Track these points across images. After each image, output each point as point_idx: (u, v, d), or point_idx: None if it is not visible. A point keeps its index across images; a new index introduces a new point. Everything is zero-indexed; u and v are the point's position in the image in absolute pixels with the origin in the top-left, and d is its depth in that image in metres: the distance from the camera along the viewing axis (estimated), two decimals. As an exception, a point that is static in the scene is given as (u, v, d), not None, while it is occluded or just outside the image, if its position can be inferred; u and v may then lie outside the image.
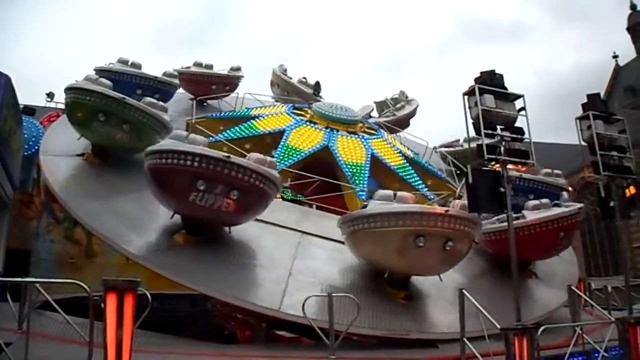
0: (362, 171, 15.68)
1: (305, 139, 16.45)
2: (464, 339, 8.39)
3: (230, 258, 10.76)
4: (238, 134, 16.54)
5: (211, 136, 15.22)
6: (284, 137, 16.29)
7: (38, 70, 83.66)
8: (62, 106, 19.30)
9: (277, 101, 21.26)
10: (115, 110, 12.18)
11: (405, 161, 17.17)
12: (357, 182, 15.24)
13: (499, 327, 8.16)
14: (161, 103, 13.48)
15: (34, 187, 16.69)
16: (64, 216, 15.42)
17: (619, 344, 9.44)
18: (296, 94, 22.31)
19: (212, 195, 9.69)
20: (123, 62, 16.88)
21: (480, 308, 8.57)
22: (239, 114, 18.47)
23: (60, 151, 13.29)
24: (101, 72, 15.11)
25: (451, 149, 21.90)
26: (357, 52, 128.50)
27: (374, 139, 17.71)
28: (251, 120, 17.40)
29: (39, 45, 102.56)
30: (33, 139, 15.86)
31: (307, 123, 17.31)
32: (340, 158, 15.92)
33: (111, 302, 5.77)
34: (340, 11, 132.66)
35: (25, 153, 14.83)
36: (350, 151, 16.33)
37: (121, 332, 5.72)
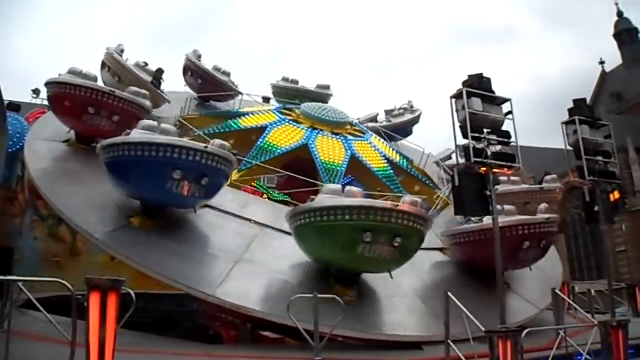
0: (339, 170, 15.67)
1: (285, 137, 16.57)
2: (449, 341, 8.42)
3: (181, 243, 11.02)
4: (222, 130, 16.85)
5: (195, 130, 15.58)
6: (264, 134, 16.51)
7: (24, 67, 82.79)
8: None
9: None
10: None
11: (387, 164, 17.17)
12: (332, 181, 15.18)
13: (483, 329, 8.20)
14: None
15: (18, 184, 16.49)
16: (48, 213, 15.24)
17: (601, 346, 9.50)
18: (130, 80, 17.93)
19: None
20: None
21: (466, 311, 8.62)
22: (229, 112, 18.82)
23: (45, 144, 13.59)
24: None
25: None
26: (348, 55, 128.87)
27: (358, 140, 17.72)
28: (237, 118, 17.66)
29: (25, 41, 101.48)
30: (18, 135, 15.67)
31: (291, 122, 17.43)
32: (317, 156, 15.95)
33: (94, 301, 5.74)
34: (332, 15, 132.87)
35: (10, 149, 14.64)
36: (328, 150, 16.34)
37: (104, 331, 5.68)
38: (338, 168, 15.75)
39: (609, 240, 33.57)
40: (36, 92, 21.77)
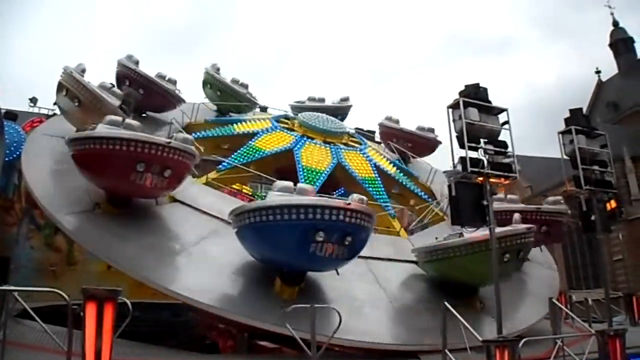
0: (319, 176, 15.60)
1: (272, 142, 16.73)
2: (446, 351, 8.42)
3: (140, 232, 11.25)
4: (216, 134, 17.40)
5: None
6: (253, 139, 16.69)
7: (21, 76, 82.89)
8: (45, 111, 19.10)
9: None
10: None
11: (376, 175, 17.08)
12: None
13: (480, 339, 8.20)
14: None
15: (15, 193, 16.47)
16: (45, 223, 15.23)
17: (599, 356, 9.50)
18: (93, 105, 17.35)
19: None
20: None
21: (463, 321, 8.62)
22: (231, 119, 19.19)
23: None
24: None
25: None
26: (347, 64, 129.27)
27: (350, 150, 17.74)
28: (234, 124, 18.04)
29: (23, 50, 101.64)
30: (15, 144, 15.65)
31: (283, 129, 17.63)
32: (299, 161, 15.96)
33: (90, 311, 5.72)
34: (331, 24, 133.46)
35: (7, 158, 14.63)
36: (313, 156, 16.35)
37: (100, 341, 5.66)
38: (319, 174, 15.67)
39: (606, 249, 33.60)
40: (33, 100, 21.82)
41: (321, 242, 9.37)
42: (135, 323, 7.78)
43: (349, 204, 9.61)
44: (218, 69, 20.64)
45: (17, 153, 14.60)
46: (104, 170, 10.91)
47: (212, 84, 20.33)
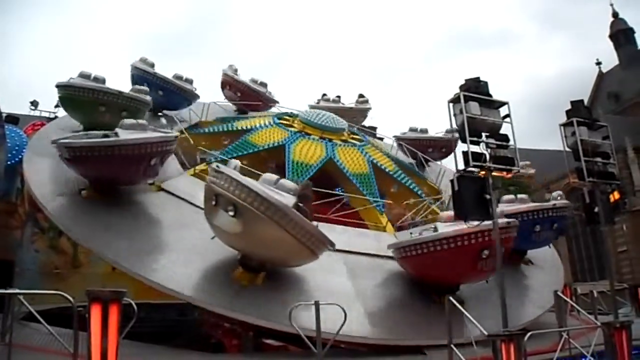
0: (308, 170, 15.57)
1: (266, 137, 16.84)
2: (452, 346, 8.41)
3: (123, 219, 11.71)
4: (216, 130, 17.96)
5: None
6: (248, 134, 16.96)
7: (22, 79, 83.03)
8: (46, 114, 19.19)
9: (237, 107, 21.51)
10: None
11: (369, 171, 17.08)
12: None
13: (486, 333, 8.19)
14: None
15: (18, 197, 16.50)
16: (49, 226, 15.26)
17: (605, 348, 9.48)
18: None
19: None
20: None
21: (469, 315, 8.61)
22: (237, 117, 19.79)
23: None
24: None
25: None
26: (346, 62, 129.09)
27: (346, 146, 17.61)
28: (234, 121, 18.56)
29: (23, 54, 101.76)
30: (17, 147, 15.68)
31: (281, 126, 17.56)
32: (289, 156, 15.90)
33: (96, 312, 5.72)
34: (330, 22, 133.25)
35: (9, 162, 14.66)
36: (304, 151, 16.32)
37: (106, 343, 5.67)
38: (308, 167, 15.61)
39: (610, 240, 33.54)
40: (34, 104, 21.79)
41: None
42: (140, 324, 7.82)
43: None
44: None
45: (20, 157, 14.64)
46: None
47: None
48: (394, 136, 22.07)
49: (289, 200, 9.76)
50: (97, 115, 14.39)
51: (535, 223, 13.57)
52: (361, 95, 23.93)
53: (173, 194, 13.13)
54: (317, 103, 23.05)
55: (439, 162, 21.79)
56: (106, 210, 11.74)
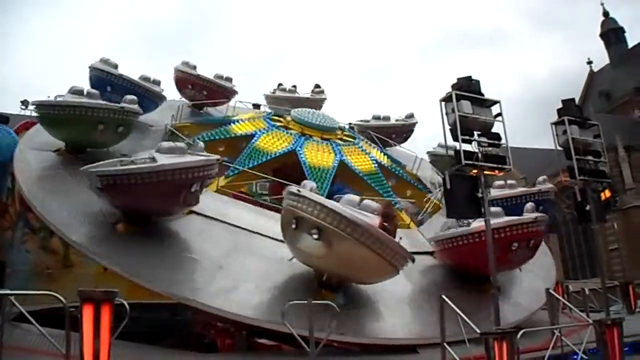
0: (327, 174, 15.70)
1: (273, 143, 16.70)
2: (445, 344, 8.42)
3: (166, 250, 11.28)
4: (212, 137, 17.16)
5: (184, 138, 15.52)
6: (252, 140, 16.68)
7: (12, 78, 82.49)
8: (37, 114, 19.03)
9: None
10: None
11: (377, 168, 17.18)
12: (320, 185, 15.14)
13: (478, 331, 8.21)
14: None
15: (9, 196, 16.35)
16: (40, 226, 15.15)
17: (596, 345, 9.53)
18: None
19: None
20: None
21: (461, 313, 8.63)
22: (220, 119, 19.14)
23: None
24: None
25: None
26: (339, 60, 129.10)
27: (348, 145, 17.79)
28: (228, 125, 17.94)
29: (14, 53, 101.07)
30: (6, 146, 15.54)
31: (280, 128, 17.55)
32: (305, 161, 16.00)
33: (87, 313, 5.71)
34: (322, 20, 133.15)
35: (-1, 160, 14.56)
36: (317, 155, 16.41)
37: (98, 343, 5.66)
38: (326, 172, 15.76)
39: (602, 238, 33.70)
40: (25, 103, 21.67)
41: None
42: (133, 324, 7.79)
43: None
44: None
45: (9, 156, 14.52)
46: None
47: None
48: (351, 124, 22.23)
49: (374, 220, 9.88)
50: (92, 133, 13.56)
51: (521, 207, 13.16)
52: (317, 86, 24.04)
53: (205, 215, 12.68)
54: (273, 93, 23.23)
55: (402, 147, 22.22)
56: (143, 241, 11.22)
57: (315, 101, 22.90)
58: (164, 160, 10.66)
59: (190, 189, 10.87)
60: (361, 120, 22.54)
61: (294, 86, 23.77)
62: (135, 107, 14.27)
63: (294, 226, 9.95)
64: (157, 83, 18.31)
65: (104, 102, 13.88)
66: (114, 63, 17.55)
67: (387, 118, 22.66)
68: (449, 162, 20.29)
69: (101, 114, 13.45)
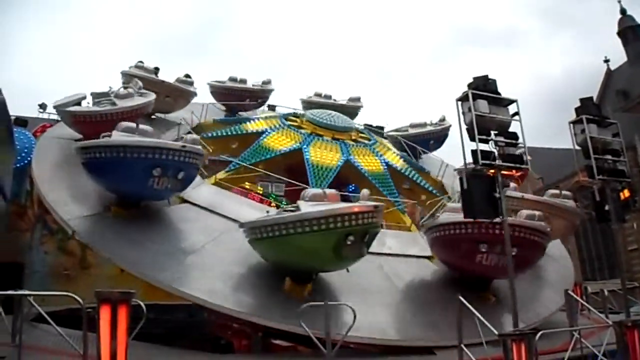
0: (329, 173, 15.77)
1: (281, 140, 16.94)
2: (462, 346, 8.35)
3: (151, 235, 11.71)
4: (225, 134, 17.75)
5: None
6: (261, 137, 16.98)
7: (30, 81, 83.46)
8: (55, 117, 19.32)
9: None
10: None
11: (385, 170, 17.10)
12: (320, 183, 15.29)
13: (497, 333, 8.13)
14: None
15: (27, 199, 16.55)
16: (58, 227, 15.31)
17: (617, 347, 9.40)
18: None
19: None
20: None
21: (478, 315, 8.55)
22: (238, 118, 19.79)
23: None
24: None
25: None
26: (351, 62, 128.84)
27: (359, 146, 17.76)
28: (242, 123, 18.49)
29: (31, 55, 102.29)
30: (25, 150, 15.74)
31: (291, 127, 17.73)
32: (308, 159, 16.12)
33: (105, 314, 5.72)
34: (334, 22, 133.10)
35: (18, 164, 14.72)
36: (322, 154, 16.48)
37: (115, 343, 5.67)
38: (328, 171, 15.76)
39: (621, 239, 33.20)
40: (43, 106, 21.82)
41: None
42: (149, 325, 7.82)
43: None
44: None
45: (28, 159, 14.71)
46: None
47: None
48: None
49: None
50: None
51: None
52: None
53: (198, 205, 13.20)
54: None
55: (434, 155, 22.12)
56: (132, 226, 11.85)
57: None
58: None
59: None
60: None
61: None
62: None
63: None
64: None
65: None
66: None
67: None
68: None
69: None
